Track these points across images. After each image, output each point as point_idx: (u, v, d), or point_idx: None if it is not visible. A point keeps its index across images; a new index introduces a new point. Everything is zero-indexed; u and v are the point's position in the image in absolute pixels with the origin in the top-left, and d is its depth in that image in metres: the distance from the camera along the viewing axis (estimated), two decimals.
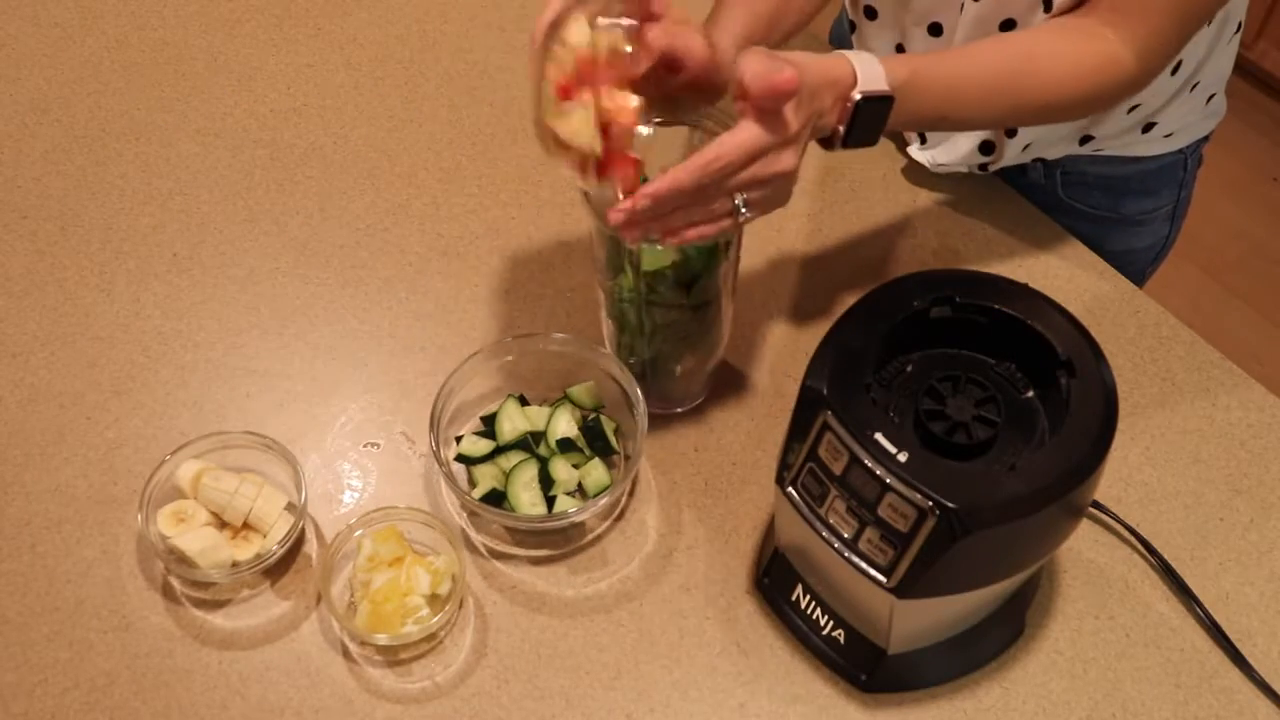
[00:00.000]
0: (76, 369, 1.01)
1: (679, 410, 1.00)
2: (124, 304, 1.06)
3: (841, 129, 0.83)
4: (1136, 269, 1.18)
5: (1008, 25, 0.97)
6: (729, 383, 1.02)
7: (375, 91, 1.22)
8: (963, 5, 0.99)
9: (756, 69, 0.74)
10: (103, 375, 1.01)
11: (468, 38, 1.28)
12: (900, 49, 1.08)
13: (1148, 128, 1.07)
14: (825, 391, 0.75)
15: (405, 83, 1.23)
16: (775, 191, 0.81)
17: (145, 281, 1.07)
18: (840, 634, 0.86)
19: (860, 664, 0.86)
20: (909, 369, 0.80)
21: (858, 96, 0.81)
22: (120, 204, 1.13)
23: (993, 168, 1.12)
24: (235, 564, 0.89)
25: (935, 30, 1.03)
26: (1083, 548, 0.93)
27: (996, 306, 0.78)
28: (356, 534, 0.90)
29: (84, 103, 1.20)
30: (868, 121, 0.83)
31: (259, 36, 1.27)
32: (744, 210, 0.80)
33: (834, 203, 1.15)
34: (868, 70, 0.82)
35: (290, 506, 0.92)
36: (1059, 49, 0.89)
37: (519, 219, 1.12)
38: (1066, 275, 1.10)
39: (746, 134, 0.76)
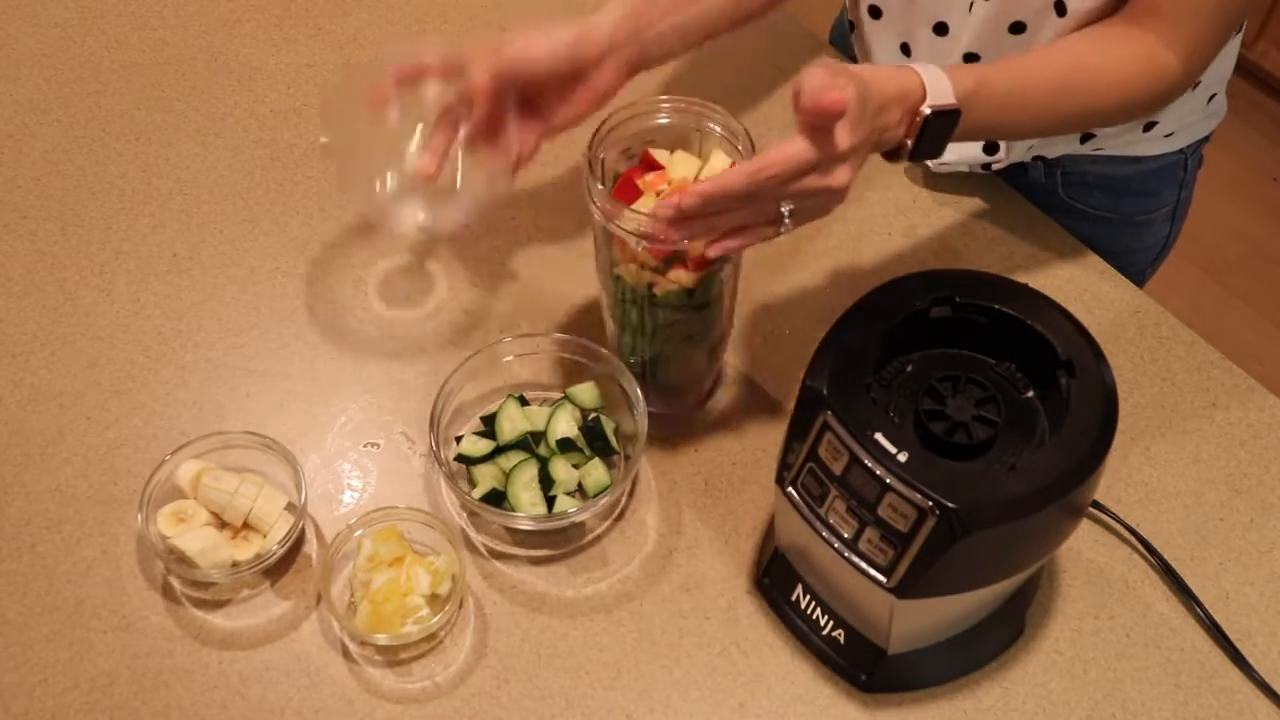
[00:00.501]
0: (76, 369, 1.01)
1: (679, 410, 1.00)
2: (124, 304, 1.06)
3: (909, 142, 0.84)
4: (1137, 269, 1.18)
5: (1017, 28, 0.97)
6: (729, 383, 1.02)
7: None
8: (971, 5, 0.99)
9: (813, 83, 0.74)
10: (103, 375, 1.01)
11: (468, 38, 1.27)
12: (905, 48, 1.08)
13: (1148, 127, 1.07)
14: (825, 391, 0.75)
15: None
16: (820, 205, 0.81)
17: (145, 281, 1.07)
18: (840, 634, 0.86)
19: (860, 664, 0.86)
20: (909, 369, 0.80)
21: (927, 111, 0.82)
22: (120, 204, 1.13)
23: (996, 167, 1.11)
24: (235, 564, 0.89)
25: (941, 29, 1.04)
26: (1083, 548, 0.93)
27: (996, 306, 0.78)
28: (356, 534, 0.90)
29: (84, 103, 1.20)
30: (935, 134, 0.84)
31: (259, 36, 1.27)
32: (788, 220, 0.80)
33: None
34: (936, 84, 0.82)
35: (290, 506, 0.92)
36: (1108, 58, 0.91)
37: (519, 219, 1.12)
38: (1066, 275, 1.10)
39: (795, 148, 0.76)
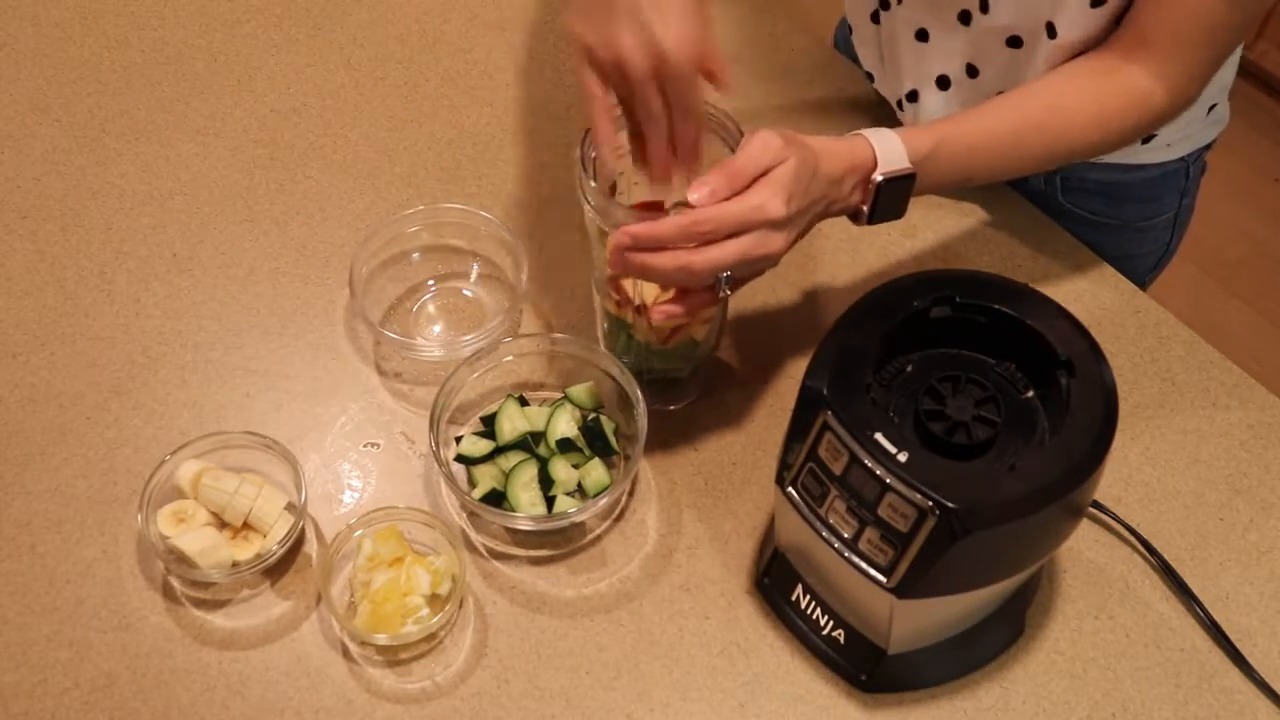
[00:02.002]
0: (76, 369, 1.01)
1: (673, 407, 1.00)
2: (124, 304, 1.06)
3: (866, 208, 0.86)
4: (1137, 276, 1.17)
5: (1014, 42, 0.97)
6: (729, 383, 1.02)
7: (375, 91, 1.22)
8: (972, 16, 0.98)
9: (747, 151, 0.78)
10: (103, 375, 1.01)
11: (468, 38, 1.28)
12: (923, 34, 1.07)
13: (1148, 139, 1.07)
14: (825, 391, 0.75)
15: (405, 83, 1.23)
16: (755, 270, 0.83)
17: (145, 281, 1.07)
18: (840, 634, 0.86)
19: (860, 664, 0.86)
20: (909, 369, 0.80)
21: (879, 179, 0.84)
22: (120, 204, 1.13)
23: None
24: (235, 564, 0.89)
25: (922, 36, 1.04)
26: (1083, 548, 0.93)
27: (996, 306, 0.78)
28: (356, 534, 0.90)
29: (84, 103, 1.20)
30: (891, 198, 0.86)
31: (259, 36, 1.27)
32: (727, 289, 0.82)
33: None
34: (888, 151, 0.84)
35: (290, 506, 0.92)
36: (1083, 96, 0.90)
37: (519, 219, 1.12)
38: (1066, 275, 1.10)
39: (733, 210, 0.78)
